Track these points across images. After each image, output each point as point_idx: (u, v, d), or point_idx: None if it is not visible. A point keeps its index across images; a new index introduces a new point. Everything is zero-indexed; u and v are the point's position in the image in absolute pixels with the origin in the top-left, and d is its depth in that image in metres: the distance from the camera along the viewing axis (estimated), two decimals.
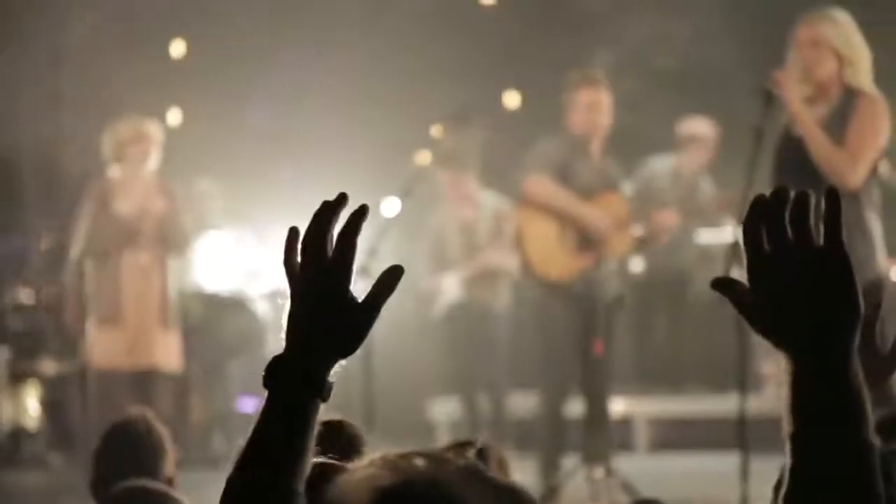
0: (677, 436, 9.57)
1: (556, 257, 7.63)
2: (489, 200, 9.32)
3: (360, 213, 1.75)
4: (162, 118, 10.10)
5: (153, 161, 7.61)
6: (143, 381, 7.54)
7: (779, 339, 1.66)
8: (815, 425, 1.63)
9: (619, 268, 7.90)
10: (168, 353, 7.67)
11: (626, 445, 9.31)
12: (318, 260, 1.74)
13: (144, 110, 8.08)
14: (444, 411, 9.87)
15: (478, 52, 10.46)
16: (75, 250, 7.49)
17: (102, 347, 7.42)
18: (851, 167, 5.84)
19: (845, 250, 1.64)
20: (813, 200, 1.65)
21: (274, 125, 10.60)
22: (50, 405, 8.83)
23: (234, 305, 9.51)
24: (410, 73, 10.24)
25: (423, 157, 7.77)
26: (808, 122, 5.90)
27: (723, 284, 1.70)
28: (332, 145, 10.29)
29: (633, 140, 10.19)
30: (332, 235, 1.76)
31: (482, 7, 10.76)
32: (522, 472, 7.82)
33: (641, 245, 7.99)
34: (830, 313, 1.64)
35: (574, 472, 7.51)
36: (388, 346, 9.11)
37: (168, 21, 10.30)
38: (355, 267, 1.77)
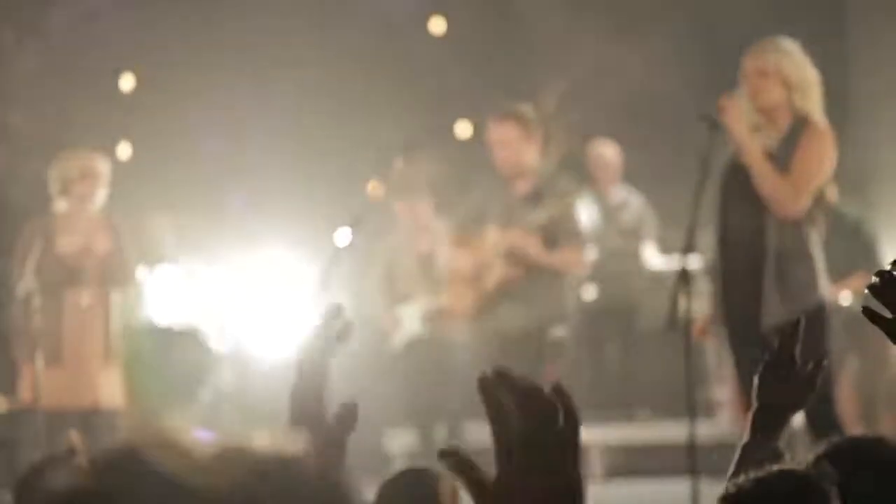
0: (631, 463, 9.59)
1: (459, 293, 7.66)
2: (444, 231, 9.32)
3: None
4: (112, 152, 10.06)
5: (99, 197, 7.54)
6: (89, 420, 7.46)
7: None
8: None
9: (562, 310, 7.63)
10: (111, 391, 7.61)
11: None
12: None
13: (94, 144, 8.03)
14: (402, 443, 9.84)
15: (429, 82, 10.49)
16: (21, 287, 7.40)
17: (47, 387, 7.36)
18: (794, 197, 5.89)
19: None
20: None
21: (225, 158, 10.59)
22: (1, 443, 8.75)
23: (187, 339, 9.47)
24: (361, 104, 10.25)
25: (375, 188, 7.76)
26: (752, 150, 5.94)
27: None
28: (282, 177, 10.28)
29: (583, 168, 10.26)
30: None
31: (433, 37, 10.80)
32: None
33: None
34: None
35: None
36: (344, 379, 9.10)
37: (117, 54, 10.28)
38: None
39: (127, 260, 7.57)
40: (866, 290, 2.37)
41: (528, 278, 7.41)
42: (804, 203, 5.90)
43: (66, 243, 7.43)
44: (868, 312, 2.38)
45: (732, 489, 2.26)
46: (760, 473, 2.29)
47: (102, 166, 7.54)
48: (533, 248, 7.38)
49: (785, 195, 5.88)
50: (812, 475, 2.32)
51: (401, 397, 9.44)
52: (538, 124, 7.54)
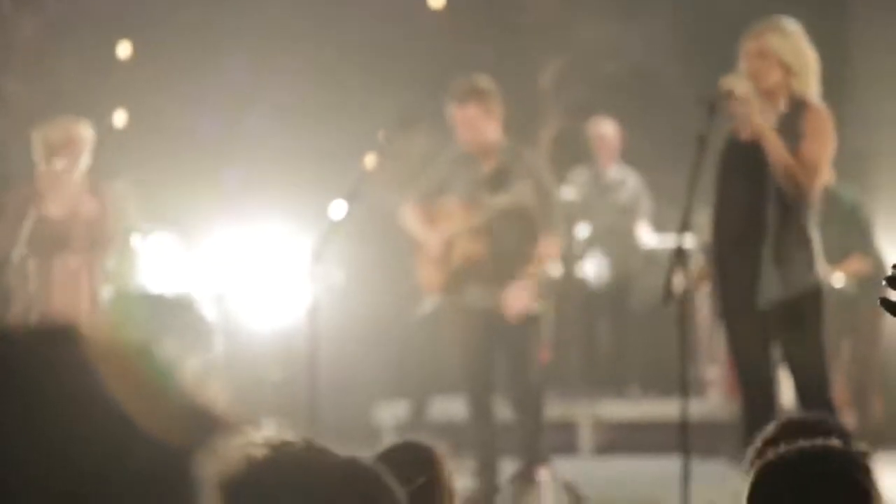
0: (621, 439, 9.62)
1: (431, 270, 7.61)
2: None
3: None
4: (108, 119, 10.04)
5: (84, 163, 7.53)
6: None
7: None
8: None
9: (540, 289, 7.46)
10: None
11: (570, 448, 9.34)
12: None
13: (90, 111, 8.01)
14: (390, 415, 9.86)
15: (426, 60, 10.47)
16: (16, 252, 7.41)
17: None
18: (812, 180, 5.89)
19: None
20: None
21: (220, 128, 10.58)
22: None
23: (180, 306, 9.47)
24: (357, 81, 10.24)
25: (371, 161, 7.74)
26: (771, 137, 5.89)
27: None
28: (278, 150, 10.28)
29: (580, 146, 10.27)
30: None
31: (430, 14, 10.77)
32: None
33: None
34: None
35: (516, 475, 7.52)
36: (336, 350, 9.10)
37: (114, 22, 10.26)
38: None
39: (112, 224, 7.57)
40: (884, 283, 2.38)
41: (493, 256, 7.38)
42: (821, 181, 5.93)
43: (53, 209, 7.44)
44: (887, 304, 2.40)
45: (773, 456, 2.28)
46: (803, 445, 2.31)
47: (86, 132, 7.53)
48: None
49: (804, 178, 5.86)
50: (852, 451, 2.36)
51: (438, 364, 9.38)
52: (497, 98, 7.51)
